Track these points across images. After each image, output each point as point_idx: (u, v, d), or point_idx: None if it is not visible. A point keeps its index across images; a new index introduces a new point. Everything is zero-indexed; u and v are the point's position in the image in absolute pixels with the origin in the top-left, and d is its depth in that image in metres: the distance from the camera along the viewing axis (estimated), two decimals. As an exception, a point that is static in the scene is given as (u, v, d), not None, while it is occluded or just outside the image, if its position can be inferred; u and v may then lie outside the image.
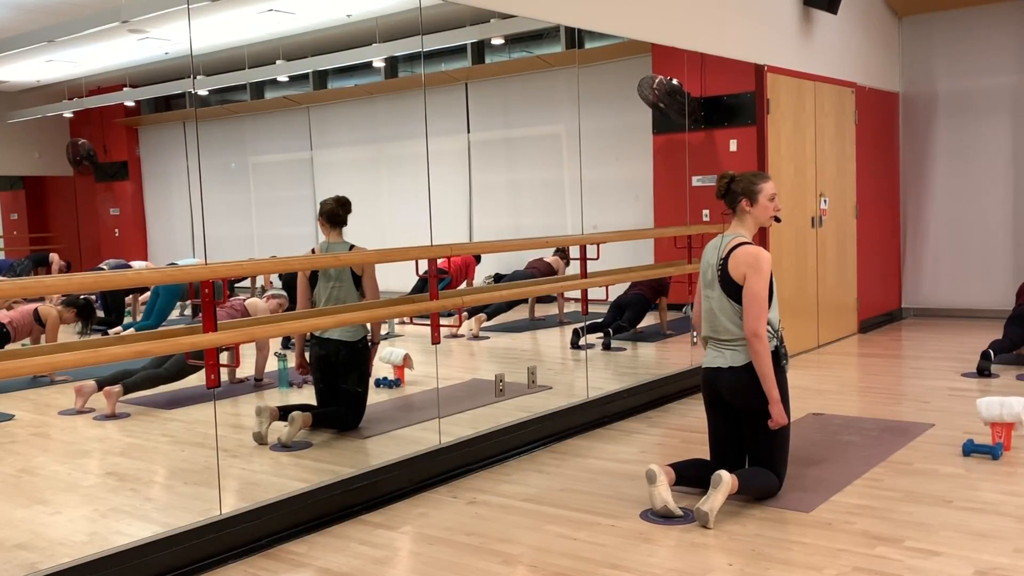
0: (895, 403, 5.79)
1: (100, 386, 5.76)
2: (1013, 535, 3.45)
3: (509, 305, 8.34)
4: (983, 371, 6.36)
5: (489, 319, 8.21)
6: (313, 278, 5.05)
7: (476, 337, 8.08)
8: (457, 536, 3.67)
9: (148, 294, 7.40)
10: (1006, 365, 6.57)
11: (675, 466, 3.88)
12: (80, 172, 8.59)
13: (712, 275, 3.91)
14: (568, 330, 8.27)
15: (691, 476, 3.88)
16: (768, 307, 3.81)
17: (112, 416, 5.60)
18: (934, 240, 9.24)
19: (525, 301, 8.57)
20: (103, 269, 7.67)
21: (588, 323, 7.49)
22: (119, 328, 7.35)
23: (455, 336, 8.15)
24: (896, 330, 8.75)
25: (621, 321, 7.58)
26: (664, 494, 3.72)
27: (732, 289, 3.81)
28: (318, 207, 5.11)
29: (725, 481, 3.64)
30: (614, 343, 7.51)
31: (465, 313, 8.15)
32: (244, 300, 6.28)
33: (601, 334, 7.49)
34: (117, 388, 5.64)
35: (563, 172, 8.78)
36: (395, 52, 8.61)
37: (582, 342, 7.41)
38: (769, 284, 3.80)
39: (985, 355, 6.40)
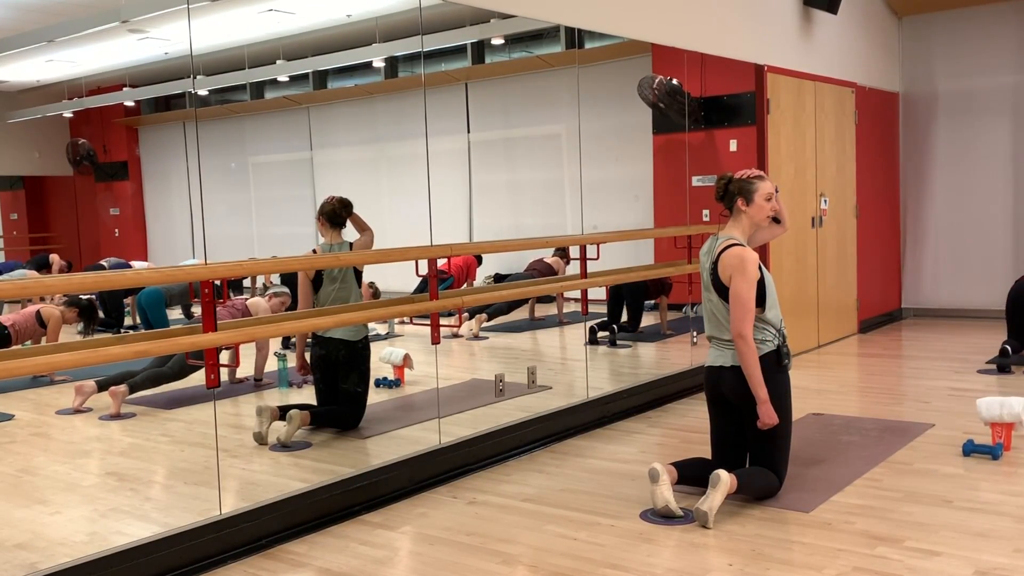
0: (895, 403, 5.79)
1: (102, 386, 5.75)
2: (1013, 535, 3.45)
3: (510, 307, 8.36)
4: (1003, 367, 6.40)
5: (489, 319, 8.21)
6: (317, 280, 5.04)
7: (476, 337, 8.10)
8: (457, 536, 3.67)
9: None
10: (1016, 364, 6.56)
11: (677, 465, 3.88)
12: (80, 172, 8.58)
13: (707, 278, 3.92)
14: (568, 330, 8.28)
15: (693, 475, 3.89)
16: (762, 308, 3.81)
17: (117, 416, 5.60)
18: (934, 240, 9.24)
19: (525, 302, 8.57)
20: (104, 267, 7.66)
21: (598, 323, 7.57)
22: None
23: (455, 336, 8.16)
24: (896, 330, 8.75)
25: (627, 320, 7.61)
26: (666, 493, 3.72)
27: (724, 291, 3.82)
28: (318, 207, 5.11)
29: (723, 480, 3.65)
30: (617, 339, 7.55)
31: (466, 314, 8.17)
32: (246, 300, 6.28)
33: (607, 332, 7.55)
34: (123, 388, 5.65)
35: (563, 172, 8.77)
36: (395, 52, 8.59)
37: (598, 338, 7.50)
38: (759, 285, 3.80)
39: (1004, 351, 6.46)
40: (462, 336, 8.17)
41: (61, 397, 6.38)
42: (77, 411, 5.74)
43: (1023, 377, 6.31)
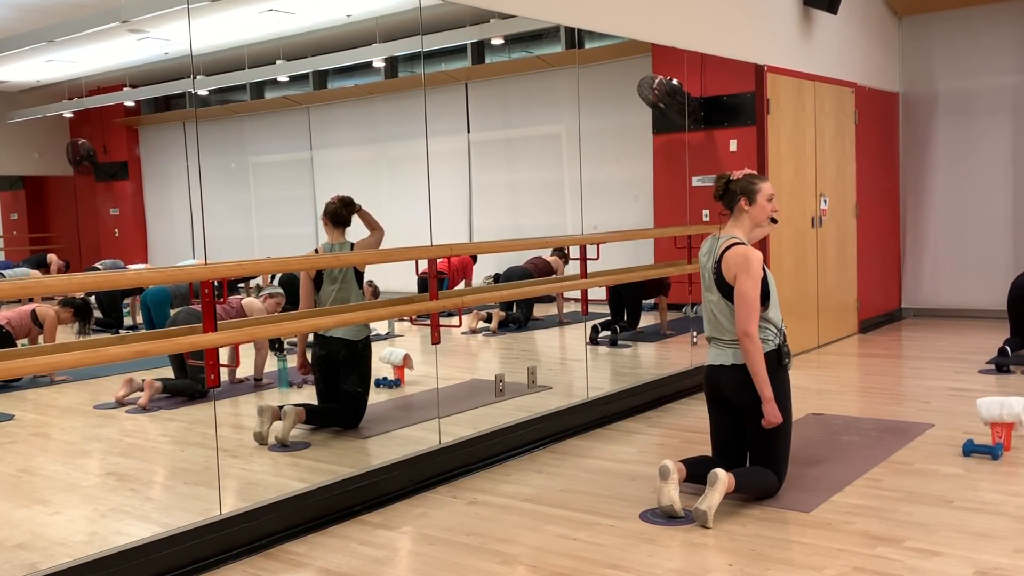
0: (895, 403, 5.79)
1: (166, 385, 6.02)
2: (1013, 535, 3.45)
3: (527, 318, 8.49)
4: (1001, 367, 6.40)
5: (506, 323, 8.32)
6: (318, 280, 5.04)
7: (494, 333, 8.23)
8: (457, 536, 3.67)
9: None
10: (1017, 364, 6.56)
11: (684, 463, 3.88)
12: (80, 172, 8.59)
13: (709, 278, 3.91)
14: (568, 330, 8.29)
15: (698, 474, 3.88)
16: (765, 307, 3.81)
17: (144, 408, 5.74)
18: (934, 240, 9.24)
19: (529, 304, 8.64)
20: (99, 269, 7.66)
21: (601, 322, 7.59)
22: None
23: (473, 332, 8.28)
24: (896, 330, 8.75)
25: (624, 320, 7.64)
26: (673, 493, 3.72)
27: (727, 290, 3.82)
28: (321, 207, 5.11)
29: (721, 479, 3.65)
30: (618, 339, 7.58)
31: (484, 313, 8.31)
32: (241, 299, 6.29)
33: (608, 332, 7.57)
34: (159, 384, 5.85)
35: (563, 172, 8.77)
36: (395, 52, 8.60)
37: (599, 338, 7.53)
38: (763, 283, 3.80)
39: (1003, 351, 6.46)
40: (480, 333, 8.27)
41: (61, 397, 6.39)
42: (120, 404, 5.89)
43: (1023, 377, 6.31)
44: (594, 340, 7.57)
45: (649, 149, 8.24)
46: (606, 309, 7.75)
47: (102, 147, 8.86)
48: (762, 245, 6.10)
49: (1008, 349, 6.49)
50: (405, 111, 8.60)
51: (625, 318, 7.71)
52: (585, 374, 5.88)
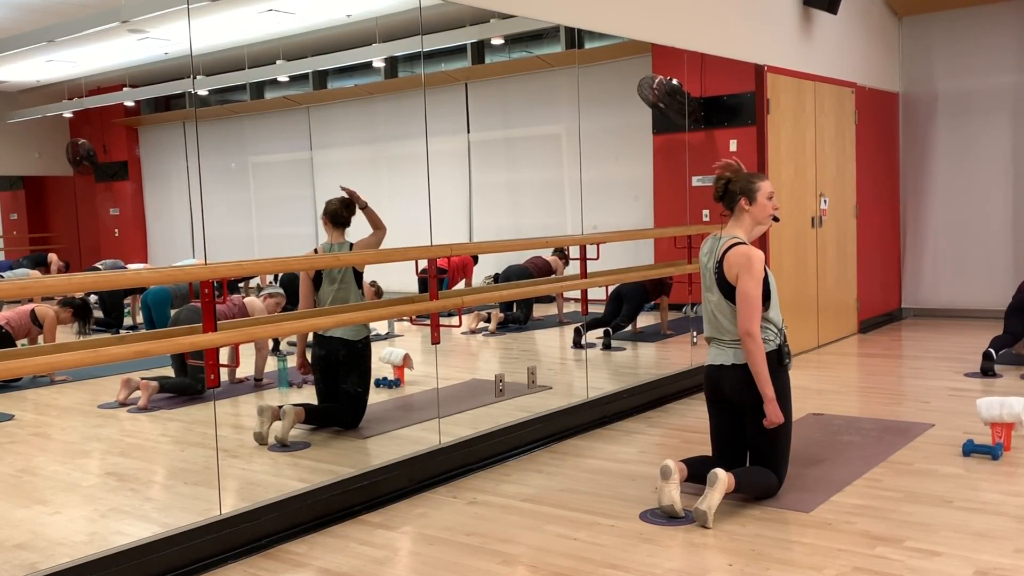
0: (895, 403, 5.79)
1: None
2: (1013, 535, 3.45)
3: (526, 317, 8.48)
4: (987, 371, 6.37)
5: (505, 323, 8.31)
6: (317, 280, 5.04)
7: (492, 334, 8.23)
8: (457, 536, 3.67)
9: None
10: (1009, 365, 6.56)
11: (686, 462, 3.88)
12: (80, 172, 8.58)
13: (710, 278, 3.91)
14: (568, 330, 8.27)
15: (698, 473, 3.88)
16: (766, 307, 3.81)
17: (144, 409, 5.75)
18: (934, 240, 9.24)
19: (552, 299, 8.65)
20: (99, 269, 7.66)
21: (588, 320, 7.52)
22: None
23: (473, 332, 8.27)
24: (896, 330, 8.75)
25: (620, 319, 7.58)
26: (673, 493, 3.71)
27: (728, 290, 3.82)
28: (321, 207, 5.11)
29: (721, 479, 3.65)
30: (614, 341, 7.52)
31: (484, 313, 8.30)
32: (243, 299, 6.29)
33: (601, 332, 7.50)
34: (155, 384, 5.86)
35: (563, 172, 8.77)
36: (395, 52, 8.59)
37: (584, 341, 7.43)
38: (765, 283, 3.80)
39: (987, 355, 6.40)
40: (479, 333, 8.27)
41: (61, 397, 6.39)
42: (122, 404, 5.89)
43: (1019, 380, 6.31)
44: (577, 343, 7.45)
45: (649, 149, 8.24)
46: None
47: (102, 147, 8.85)
48: (762, 245, 6.10)
49: (993, 352, 6.40)
50: (405, 111, 8.59)
51: (619, 319, 7.64)
52: (585, 374, 5.88)
